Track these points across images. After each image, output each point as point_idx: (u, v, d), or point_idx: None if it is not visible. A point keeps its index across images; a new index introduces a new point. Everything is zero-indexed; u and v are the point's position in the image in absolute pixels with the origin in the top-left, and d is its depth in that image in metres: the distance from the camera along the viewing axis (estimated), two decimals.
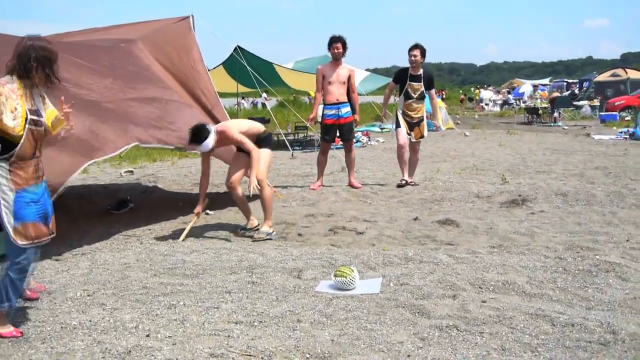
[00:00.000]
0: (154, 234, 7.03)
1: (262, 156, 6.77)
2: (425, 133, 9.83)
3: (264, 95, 34.45)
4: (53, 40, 9.45)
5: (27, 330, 4.03)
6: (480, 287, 4.68)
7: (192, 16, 9.47)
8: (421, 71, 9.58)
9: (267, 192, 6.77)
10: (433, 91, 9.88)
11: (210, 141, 6.57)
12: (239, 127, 6.88)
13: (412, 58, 9.48)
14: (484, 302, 4.36)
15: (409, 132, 9.66)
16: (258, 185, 6.53)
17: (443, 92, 46.91)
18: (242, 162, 6.94)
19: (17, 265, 4.01)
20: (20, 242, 3.93)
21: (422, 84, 9.52)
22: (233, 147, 7.20)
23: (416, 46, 9.51)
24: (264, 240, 6.62)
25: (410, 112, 9.61)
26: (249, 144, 6.66)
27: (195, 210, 6.87)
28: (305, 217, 7.72)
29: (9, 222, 3.90)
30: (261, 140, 6.92)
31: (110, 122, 7.00)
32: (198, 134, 6.54)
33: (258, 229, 6.85)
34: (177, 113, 8.02)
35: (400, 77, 9.69)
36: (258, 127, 7.12)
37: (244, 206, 7.07)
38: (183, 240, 6.61)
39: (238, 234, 6.93)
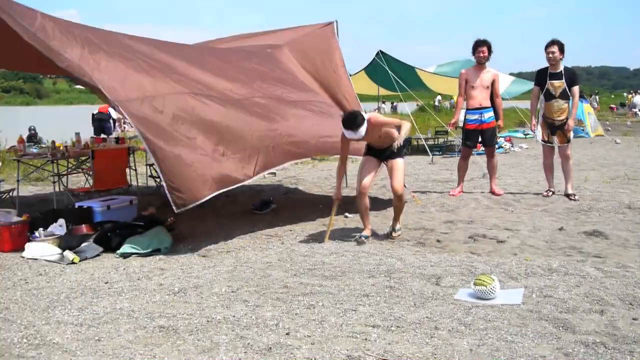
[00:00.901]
0: (295, 234, 7.20)
1: (400, 167, 6.77)
2: (571, 136, 9.25)
3: (439, 97, 34.33)
4: (205, 47, 10.00)
5: (176, 322, 4.25)
6: (630, 304, 4.43)
7: (336, 22, 9.63)
8: (562, 68, 9.02)
9: (402, 203, 6.81)
10: (576, 88, 9.06)
11: (364, 128, 6.43)
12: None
13: (550, 55, 8.93)
14: (635, 319, 4.13)
15: (548, 137, 9.22)
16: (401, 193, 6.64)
17: (590, 98, 44.68)
18: (372, 165, 6.90)
19: None
20: None
21: (563, 81, 8.94)
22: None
23: (553, 42, 8.97)
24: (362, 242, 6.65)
25: (552, 114, 9.06)
26: (397, 120, 6.68)
27: (336, 197, 6.88)
28: (445, 223, 7.63)
29: None
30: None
31: (256, 137, 7.29)
32: (355, 120, 6.41)
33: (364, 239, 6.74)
34: (322, 118, 8.21)
35: (541, 78, 9.14)
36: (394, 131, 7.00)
37: (366, 214, 6.90)
38: (325, 241, 6.72)
39: (356, 239, 6.75)
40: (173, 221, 7.24)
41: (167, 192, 6.23)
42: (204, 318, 4.32)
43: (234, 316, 4.34)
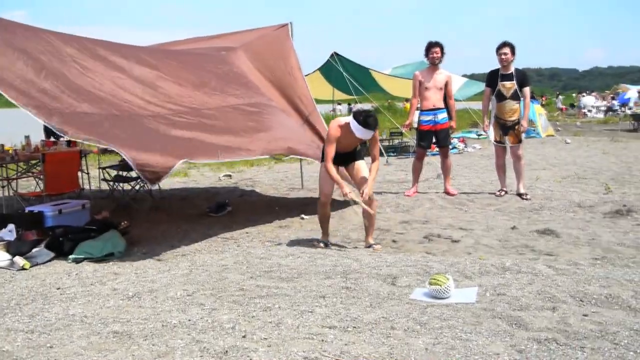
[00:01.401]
0: (251, 237, 7.17)
1: (365, 168, 6.57)
2: (522, 137, 9.40)
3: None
4: (158, 49, 9.89)
5: (130, 327, 4.19)
6: (581, 300, 4.52)
7: (291, 24, 9.62)
8: (512, 69, 9.16)
9: (374, 206, 6.62)
10: (527, 89, 9.23)
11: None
12: None
13: (503, 57, 9.07)
14: (585, 315, 4.21)
15: (500, 138, 9.37)
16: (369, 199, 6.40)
17: (542, 98, 45.56)
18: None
19: None
20: None
21: (514, 82, 9.09)
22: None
23: (505, 44, 9.11)
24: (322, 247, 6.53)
25: (504, 115, 9.20)
26: (377, 152, 6.51)
27: (349, 193, 6.33)
28: (400, 223, 7.69)
29: None
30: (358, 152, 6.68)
31: (207, 133, 7.22)
32: (375, 119, 6.20)
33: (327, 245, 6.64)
34: (274, 121, 8.20)
35: (492, 79, 9.28)
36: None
37: (327, 223, 6.74)
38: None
39: (316, 245, 6.65)
40: (127, 225, 7.15)
41: (136, 171, 6.15)
42: (159, 322, 4.27)
43: (189, 320, 4.29)
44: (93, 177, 11.02)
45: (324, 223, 6.77)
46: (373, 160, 6.47)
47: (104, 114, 6.76)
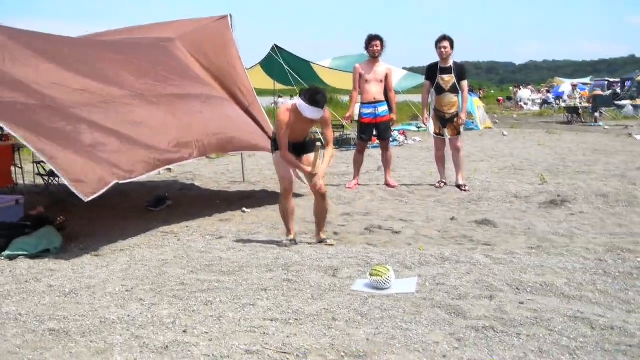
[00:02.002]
0: (191, 231, 7.10)
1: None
2: (461, 129, 9.54)
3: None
4: (92, 39, 9.65)
5: (67, 324, 4.09)
6: (517, 288, 4.63)
7: (230, 15, 9.53)
8: (451, 63, 9.27)
9: (327, 202, 6.43)
10: (465, 83, 9.37)
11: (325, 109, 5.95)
12: None
13: (442, 50, 9.16)
14: (521, 303, 4.32)
15: (440, 130, 9.50)
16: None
17: (480, 91, 46.30)
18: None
19: None
20: None
21: (452, 75, 9.21)
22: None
23: (444, 38, 9.22)
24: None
25: (443, 108, 9.32)
26: (331, 136, 6.24)
27: (312, 170, 6.13)
28: (341, 215, 7.72)
29: None
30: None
31: (149, 131, 7.10)
32: (323, 96, 5.86)
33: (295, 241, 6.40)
34: (217, 112, 8.12)
35: (431, 73, 9.38)
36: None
37: (292, 217, 6.44)
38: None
39: (282, 244, 6.32)
40: (63, 220, 6.98)
41: (69, 186, 5.97)
42: (97, 319, 4.18)
43: (128, 316, 4.22)
44: (27, 172, 10.73)
45: (288, 218, 6.42)
46: (327, 144, 6.23)
47: (37, 104, 6.58)
